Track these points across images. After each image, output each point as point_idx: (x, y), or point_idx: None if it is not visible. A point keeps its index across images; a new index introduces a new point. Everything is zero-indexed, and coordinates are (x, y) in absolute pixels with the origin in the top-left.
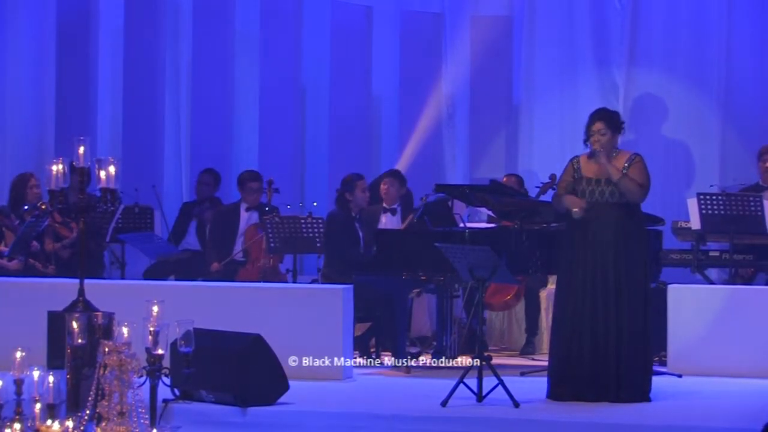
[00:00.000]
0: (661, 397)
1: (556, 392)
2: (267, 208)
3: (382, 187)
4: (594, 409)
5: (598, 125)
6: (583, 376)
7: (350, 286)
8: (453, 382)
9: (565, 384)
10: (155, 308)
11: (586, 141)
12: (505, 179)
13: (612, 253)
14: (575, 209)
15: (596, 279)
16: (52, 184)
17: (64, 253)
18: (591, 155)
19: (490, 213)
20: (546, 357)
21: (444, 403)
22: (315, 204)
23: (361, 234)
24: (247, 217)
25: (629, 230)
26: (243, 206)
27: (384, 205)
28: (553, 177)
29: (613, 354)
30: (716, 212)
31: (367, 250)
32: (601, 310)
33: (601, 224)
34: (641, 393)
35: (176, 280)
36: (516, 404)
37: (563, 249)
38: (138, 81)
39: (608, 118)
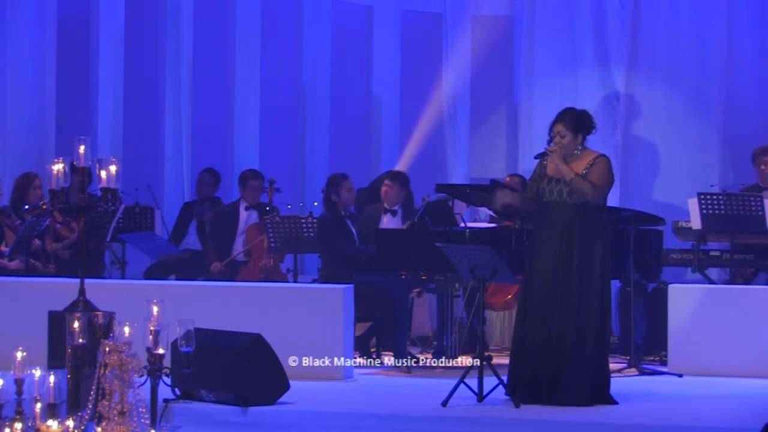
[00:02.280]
0: (661, 398)
1: (512, 391)
2: (267, 208)
3: (383, 188)
4: (594, 409)
5: (558, 127)
6: (536, 377)
7: (350, 286)
8: (453, 382)
9: (519, 384)
10: (156, 308)
11: (548, 142)
12: (508, 179)
13: (568, 253)
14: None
15: (551, 278)
16: (53, 183)
17: (64, 253)
18: (542, 155)
19: (491, 213)
20: None
21: (444, 403)
22: (315, 204)
23: (354, 230)
24: (246, 216)
25: (585, 230)
26: (242, 205)
27: (385, 206)
28: None
29: (566, 355)
30: (717, 212)
31: (363, 246)
32: (549, 311)
33: (558, 223)
34: (593, 396)
35: (177, 279)
36: (517, 404)
37: (527, 249)
38: (138, 81)
39: (569, 120)
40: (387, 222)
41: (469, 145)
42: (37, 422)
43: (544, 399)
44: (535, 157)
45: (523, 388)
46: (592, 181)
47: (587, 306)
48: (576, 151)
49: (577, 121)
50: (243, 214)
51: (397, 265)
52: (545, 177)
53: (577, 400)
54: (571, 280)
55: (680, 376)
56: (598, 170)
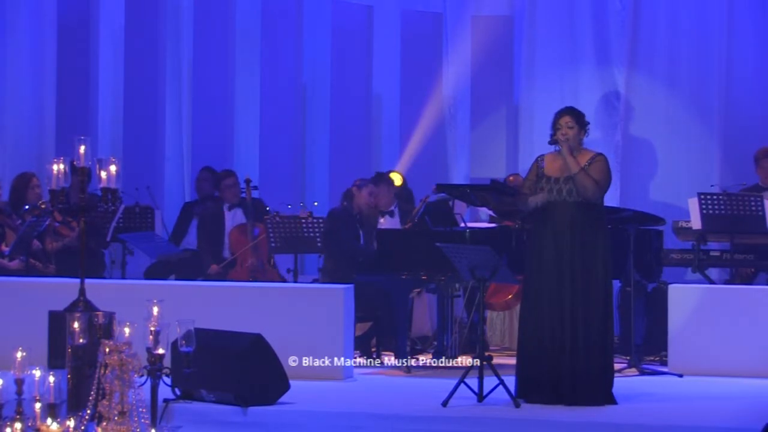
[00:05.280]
0: (661, 398)
1: (522, 392)
2: (268, 209)
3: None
4: (594, 409)
5: (566, 118)
6: (543, 377)
7: (350, 286)
8: (453, 382)
9: (529, 385)
10: (156, 308)
11: (552, 136)
12: (511, 179)
13: (568, 252)
14: (538, 200)
15: (554, 278)
16: (53, 183)
17: (61, 242)
18: (555, 141)
19: (491, 213)
20: None
21: (445, 403)
22: (316, 204)
23: (361, 232)
24: (231, 215)
25: (586, 229)
26: (225, 205)
27: (381, 209)
28: None
29: (568, 355)
30: (717, 212)
31: (367, 247)
32: (557, 311)
33: (559, 223)
34: (600, 396)
35: (177, 279)
36: (517, 404)
37: (527, 249)
38: (138, 81)
39: (576, 114)
40: (385, 223)
41: (469, 145)
42: (37, 422)
43: (560, 399)
44: (550, 143)
45: (537, 389)
46: (594, 178)
47: (591, 305)
48: (578, 149)
49: (582, 117)
50: (227, 213)
51: (397, 265)
52: (543, 177)
53: (592, 399)
54: (574, 279)
55: (680, 376)
56: (599, 168)
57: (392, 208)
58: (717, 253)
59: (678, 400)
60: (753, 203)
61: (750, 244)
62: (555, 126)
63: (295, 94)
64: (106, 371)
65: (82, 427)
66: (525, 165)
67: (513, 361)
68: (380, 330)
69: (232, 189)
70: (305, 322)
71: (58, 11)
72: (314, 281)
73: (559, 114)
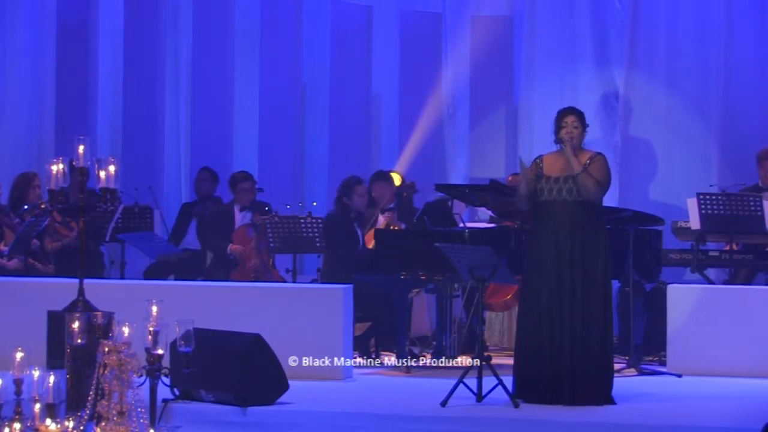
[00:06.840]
0: (660, 398)
1: (519, 392)
2: (267, 208)
3: (373, 195)
4: (593, 409)
5: (571, 118)
6: (543, 377)
7: (350, 286)
8: (453, 382)
9: (528, 384)
10: (155, 308)
11: (557, 135)
12: (510, 179)
13: (568, 251)
14: (522, 188)
15: (553, 278)
16: (52, 183)
17: (62, 242)
18: (560, 140)
19: (490, 213)
20: None
21: (444, 403)
22: (315, 204)
23: (360, 233)
24: (241, 217)
25: (586, 229)
26: (237, 207)
27: (380, 206)
28: None
29: (567, 355)
30: (716, 212)
31: (362, 250)
32: (557, 310)
33: (559, 223)
34: (600, 395)
35: (176, 279)
36: (516, 404)
37: (526, 249)
38: (138, 81)
39: (579, 114)
40: (383, 221)
41: (468, 145)
42: (36, 422)
43: (560, 399)
44: (555, 142)
45: (536, 389)
46: (595, 177)
47: (591, 305)
48: (578, 150)
49: (584, 118)
50: (238, 215)
51: (396, 265)
52: (543, 177)
53: (591, 399)
54: (576, 278)
55: (679, 376)
56: (599, 167)
57: (391, 205)
58: (716, 253)
59: (677, 400)
60: (752, 203)
61: (749, 244)
62: (559, 125)
63: (294, 94)
64: (105, 371)
65: (81, 428)
66: None
67: (512, 361)
68: (379, 330)
69: (248, 193)
70: (305, 322)
71: (58, 11)
72: (313, 281)
73: (564, 113)
